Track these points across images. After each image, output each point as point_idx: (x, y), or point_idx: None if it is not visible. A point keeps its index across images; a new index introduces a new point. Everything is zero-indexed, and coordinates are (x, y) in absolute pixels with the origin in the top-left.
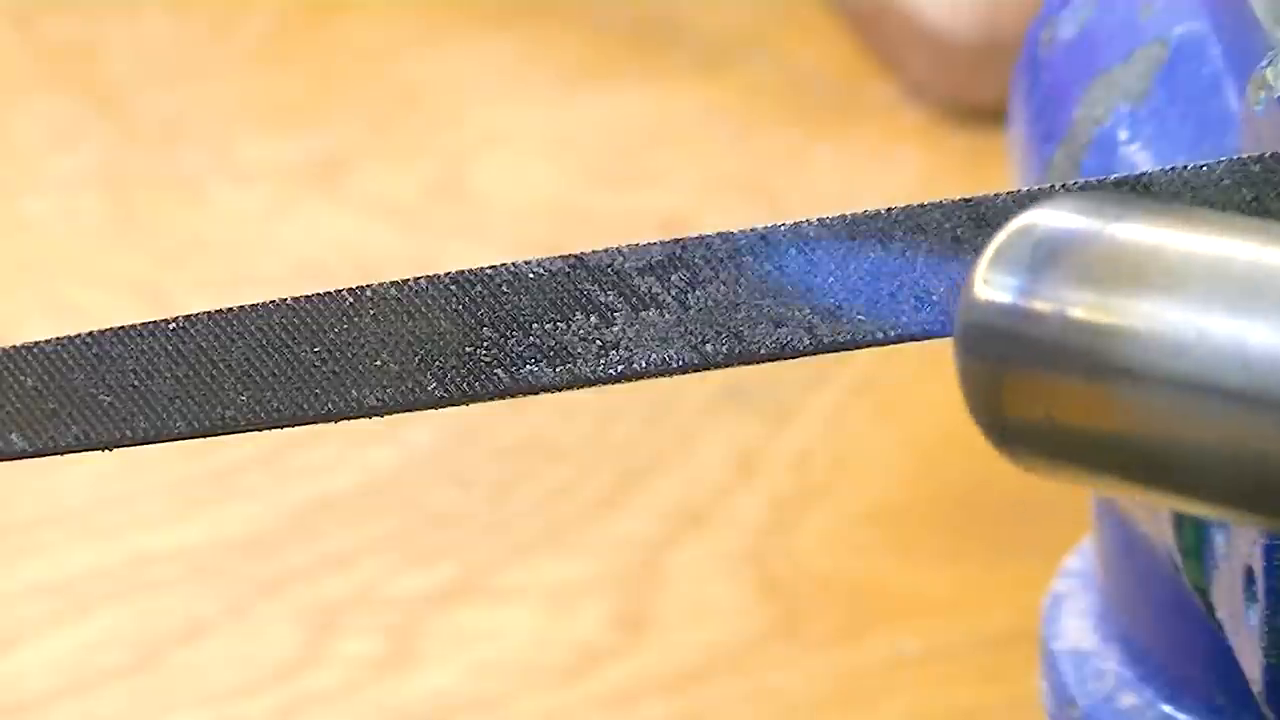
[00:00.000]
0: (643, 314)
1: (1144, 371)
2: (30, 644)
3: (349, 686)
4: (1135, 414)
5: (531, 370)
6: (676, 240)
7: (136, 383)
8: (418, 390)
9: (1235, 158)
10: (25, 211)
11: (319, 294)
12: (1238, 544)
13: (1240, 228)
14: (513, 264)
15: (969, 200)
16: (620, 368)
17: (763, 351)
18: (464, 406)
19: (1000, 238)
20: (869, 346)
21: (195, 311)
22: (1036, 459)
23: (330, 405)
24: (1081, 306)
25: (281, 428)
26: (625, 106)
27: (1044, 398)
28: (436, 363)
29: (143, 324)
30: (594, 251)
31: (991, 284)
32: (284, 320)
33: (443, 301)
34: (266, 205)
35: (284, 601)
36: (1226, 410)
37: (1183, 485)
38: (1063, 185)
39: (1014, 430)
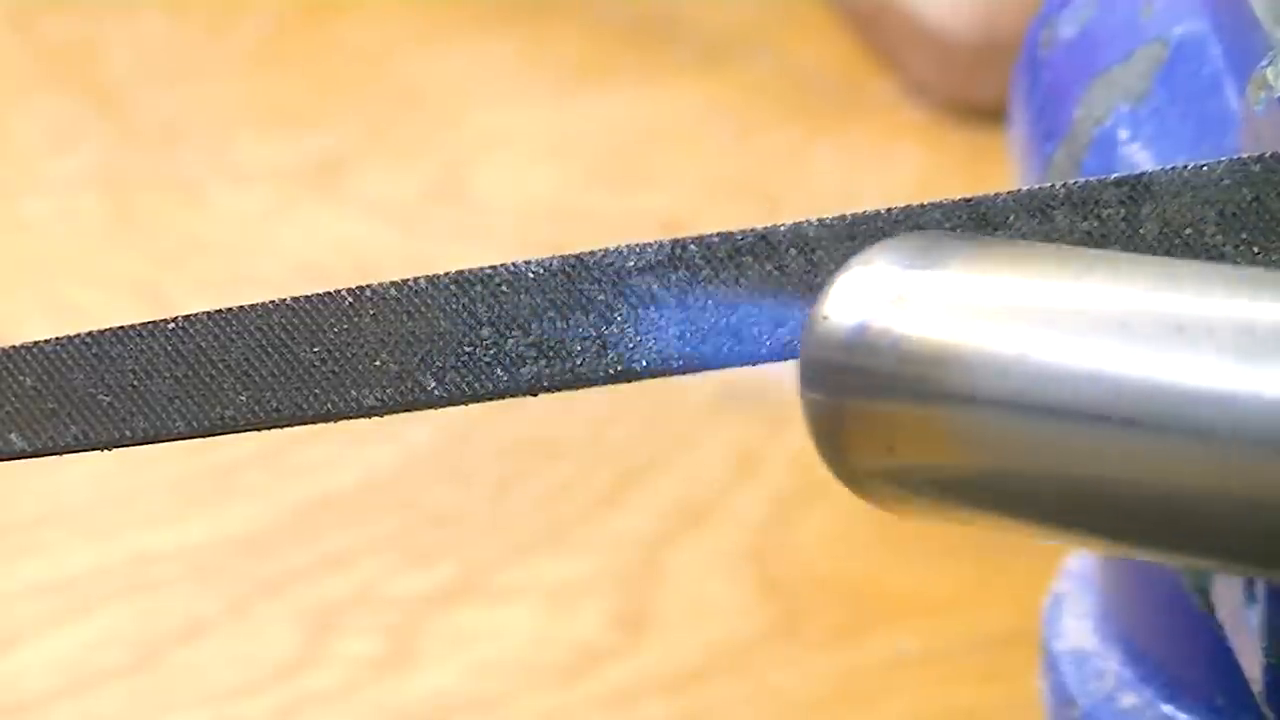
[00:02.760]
0: (642, 314)
1: (972, 395)
2: (30, 643)
3: (349, 686)
4: (967, 439)
5: (531, 370)
6: (676, 240)
7: (136, 383)
8: (417, 390)
9: (1235, 157)
10: (25, 211)
11: (318, 294)
12: None
13: (1060, 257)
14: (512, 264)
15: (969, 200)
16: (619, 368)
17: (763, 352)
18: (464, 406)
19: (838, 279)
20: None
21: (194, 312)
22: (883, 494)
23: (329, 405)
24: (914, 336)
25: (281, 428)
26: (624, 106)
27: (884, 429)
28: (436, 362)
29: (142, 324)
30: (593, 251)
31: (831, 321)
32: (283, 320)
33: (442, 301)
34: (266, 206)
35: (284, 601)
36: (1049, 429)
37: (1021, 511)
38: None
39: (859, 467)
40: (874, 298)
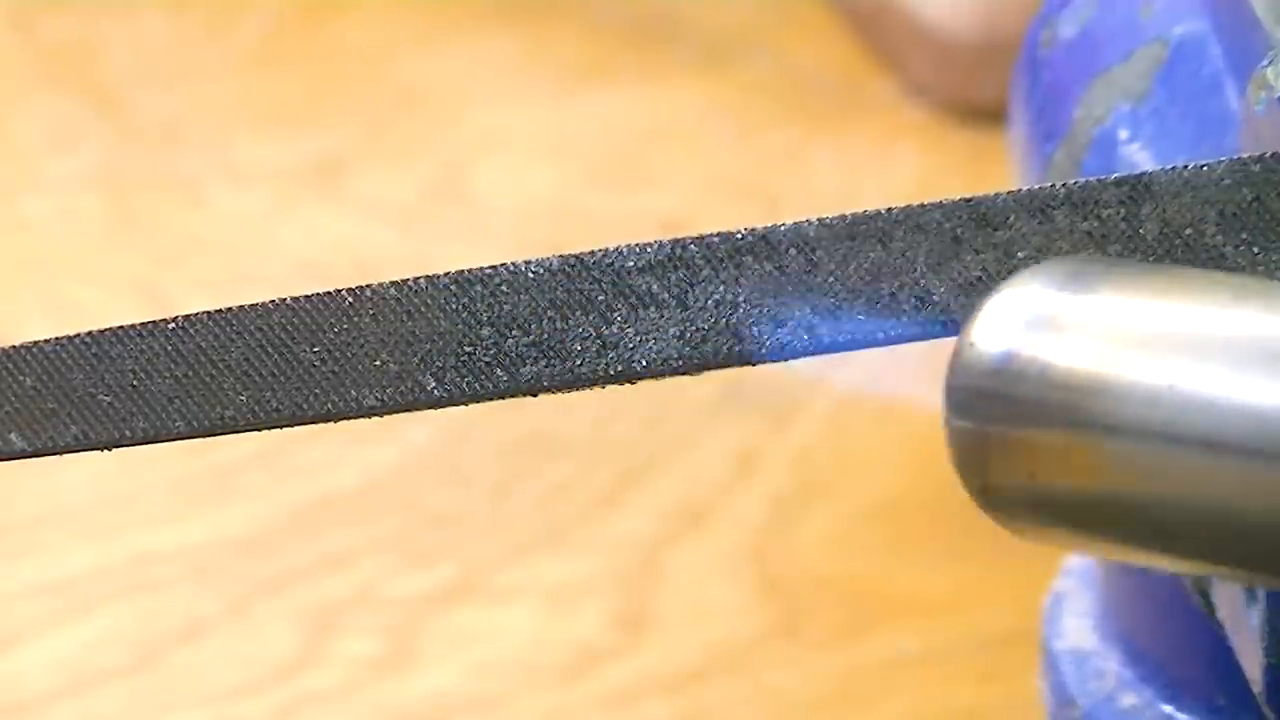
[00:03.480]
0: (642, 314)
1: (1120, 424)
2: (30, 643)
3: (348, 686)
4: (1114, 468)
5: (530, 370)
6: (676, 240)
7: (136, 382)
8: (417, 390)
9: (1235, 157)
10: (25, 211)
11: (318, 294)
12: None
13: (1210, 284)
14: (511, 264)
15: (970, 200)
16: (619, 368)
17: (763, 352)
18: (463, 406)
19: (986, 304)
20: (869, 347)
21: (194, 311)
22: (1025, 523)
23: (329, 405)
24: (1062, 364)
25: (281, 428)
26: (624, 106)
27: (1028, 457)
28: (435, 362)
29: (142, 324)
30: (593, 251)
31: (978, 347)
32: (283, 320)
33: (442, 301)
34: (265, 205)
35: (284, 601)
36: (1198, 460)
37: (1163, 542)
38: (1064, 186)
39: (1002, 493)
40: (1022, 324)
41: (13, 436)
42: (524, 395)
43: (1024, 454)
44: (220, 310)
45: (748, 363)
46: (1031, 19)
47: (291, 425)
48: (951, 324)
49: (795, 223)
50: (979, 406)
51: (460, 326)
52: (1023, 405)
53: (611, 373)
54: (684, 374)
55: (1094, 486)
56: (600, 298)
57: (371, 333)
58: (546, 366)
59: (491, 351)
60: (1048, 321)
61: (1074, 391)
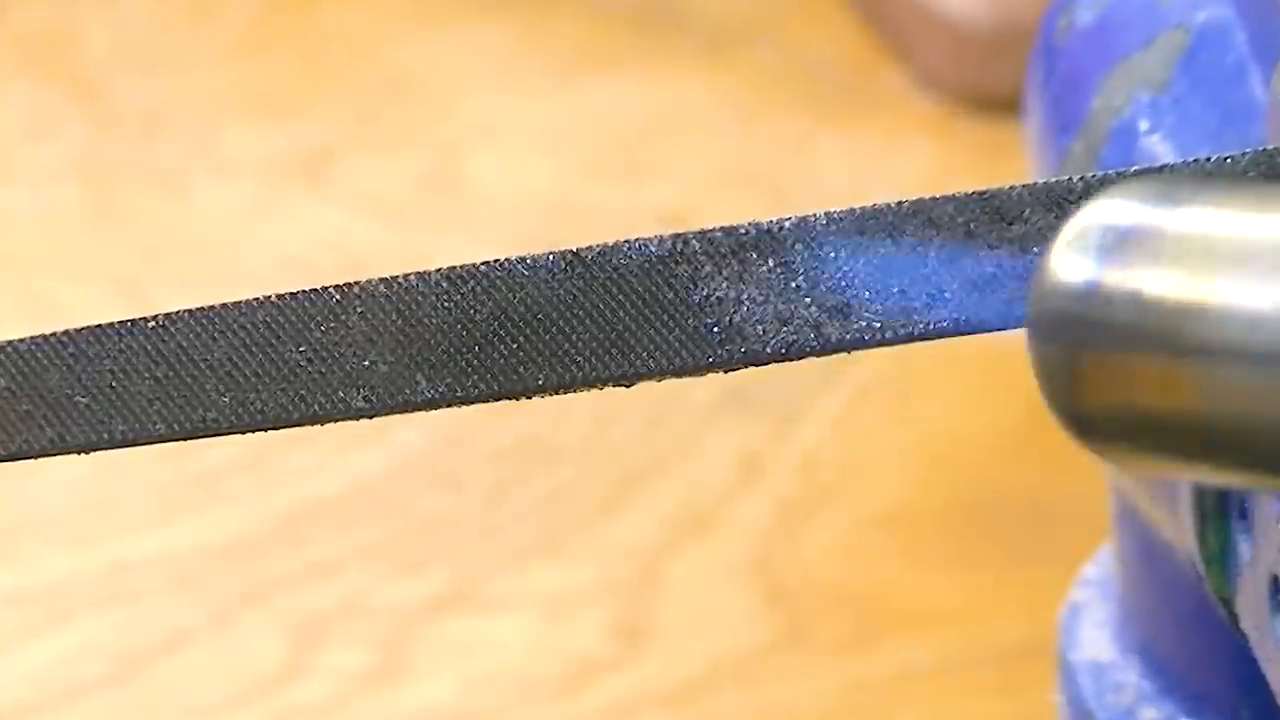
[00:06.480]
0: (643, 312)
1: (1221, 347)
2: (6, 654)
3: (337, 699)
4: (1214, 392)
5: (526, 370)
6: (678, 235)
7: (114, 383)
8: (407, 391)
9: (1260, 149)
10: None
11: (305, 291)
12: (1263, 552)
13: None
14: (506, 260)
15: (983, 194)
16: (619, 368)
17: (768, 351)
18: (456, 408)
19: (1071, 225)
20: (878, 346)
21: (176, 309)
22: (1115, 447)
23: (317, 407)
24: (1156, 287)
25: (265, 430)
26: (625, 96)
27: (1121, 382)
28: (427, 363)
29: (121, 322)
30: (591, 247)
31: (1064, 270)
32: (268, 319)
33: (434, 299)
34: (251, 199)
35: (269, 610)
36: None
37: (1265, 466)
38: (1125, 171)
39: (1092, 418)
40: (1111, 242)
41: None
42: (519, 397)
43: (1115, 379)
44: (203, 308)
45: (752, 363)
46: (1047, 6)
47: (277, 428)
48: (964, 322)
49: (802, 217)
50: (1066, 331)
51: (453, 325)
52: (1114, 330)
53: (611, 373)
54: (686, 375)
55: (1190, 411)
56: (599, 295)
57: (360, 332)
58: (543, 367)
59: (485, 351)
60: (1138, 240)
61: (1170, 315)
